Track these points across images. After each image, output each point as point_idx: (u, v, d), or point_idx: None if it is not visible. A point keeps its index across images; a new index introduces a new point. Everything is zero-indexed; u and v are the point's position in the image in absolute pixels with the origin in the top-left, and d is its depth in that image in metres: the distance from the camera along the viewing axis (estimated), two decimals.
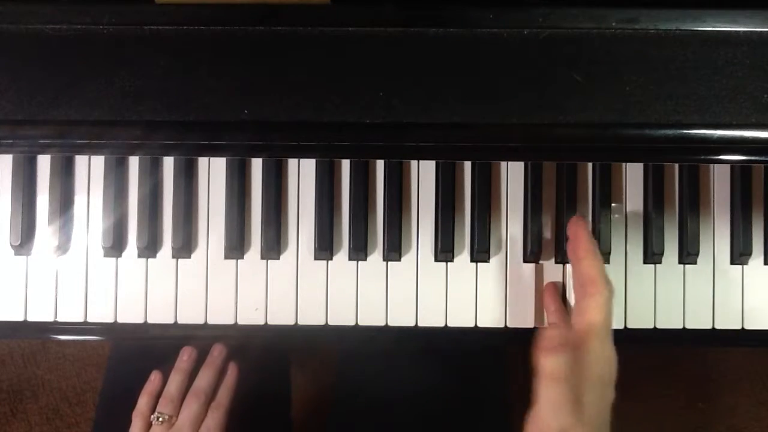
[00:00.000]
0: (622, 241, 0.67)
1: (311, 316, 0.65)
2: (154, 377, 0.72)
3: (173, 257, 0.66)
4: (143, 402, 0.71)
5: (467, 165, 0.66)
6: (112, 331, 0.66)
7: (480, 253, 0.65)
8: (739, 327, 0.67)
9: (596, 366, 0.57)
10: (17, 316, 0.65)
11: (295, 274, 0.66)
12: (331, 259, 0.66)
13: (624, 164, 0.67)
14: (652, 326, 0.66)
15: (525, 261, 0.66)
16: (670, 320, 0.66)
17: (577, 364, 0.56)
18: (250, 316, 0.65)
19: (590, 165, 0.67)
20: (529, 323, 0.66)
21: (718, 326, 0.67)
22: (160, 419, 0.69)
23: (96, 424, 0.83)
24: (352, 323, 0.65)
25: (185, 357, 0.73)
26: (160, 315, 0.65)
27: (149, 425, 0.70)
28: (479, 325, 0.65)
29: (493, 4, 0.52)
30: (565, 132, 0.52)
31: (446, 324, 0.65)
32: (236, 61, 0.52)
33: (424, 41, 0.52)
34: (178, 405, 0.71)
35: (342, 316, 0.65)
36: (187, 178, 0.65)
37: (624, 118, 0.52)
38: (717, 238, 0.67)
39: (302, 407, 1.17)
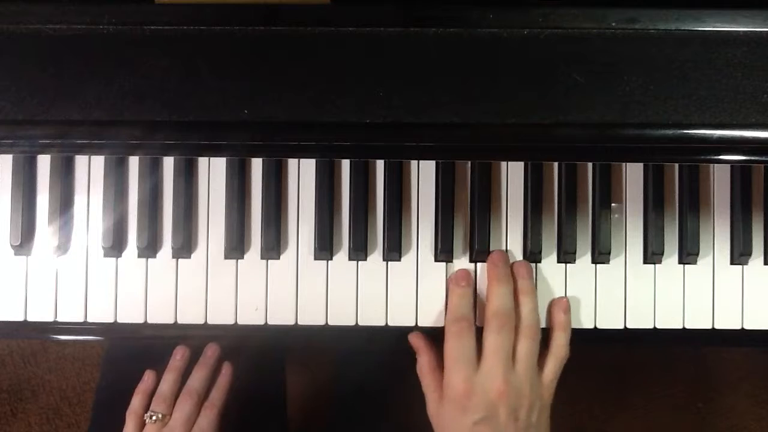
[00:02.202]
0: (622, 241, 0.67)
1: (311, 316, 0.65)
2: (148, 376, 0.72)
3: (173, 257, 0.66)
4: (137, 401, 0.71)
5: (467, 165, 0.66)
6: (112, 331, 0.66)
7: (480, 254, 0.65)
8: (739, 327, 0.67)
9: None
10: (17, 316, 0.65)
11: (295, 274, 0.66)
12: (331, 259, 0.66)
13: (624, 164, 0.67)
14: (651, 326, 0.66)
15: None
16: (670, 320, 0.66)
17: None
18: (250, 316, 0.65)
19: (590, 165, 0.67)
20: None
21: (718, 326, 0.67)
22: (153, 418, 0.70)
23: (92, 422, 0.83)
24: (352, 323, 0.65)
25: (178, 356, 0.73)
26: (160, 315, 0.65)
27: (143, 424, 0.70)
28: (480, 324, 0.65)
29: (493, 4, 0.52)
30: (565, 132, 0.52)
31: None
32: (236, 61, 0.52)
33: (424, 41, 0.52)
34: (171, 404, 0.71)
35: (342, 316, 0.65)
36: (187, 178, 0.65)
37: (624, 118, 0.52)
38: (717, 238, 0.67)
39: (300, 407, 1.17)
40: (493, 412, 0.61)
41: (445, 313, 0.65)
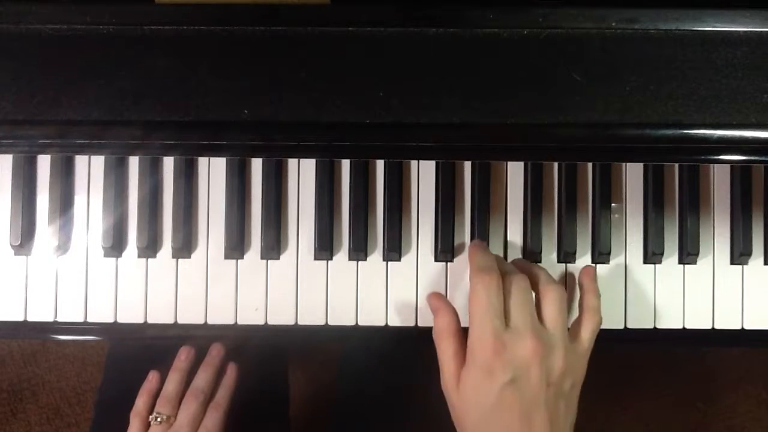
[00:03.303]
0: (622, 241, 0.67)
1: (311, 316, 0.65)
2: (152, 377, 0.72)
3: (173, 257, 0.66)
4: (141, 402, 0.71)
5: (467, 165, 0.66)
6: (112, 331, 0.66)
7: None
8: (739, 327, 0.67)
9: None
10: (17, 316, 0.65)
11: (295, 274, 0.66)
12: (331, 259, 0.66)
13: (624, 164, 0.67)
14: (652, 326, 0.66)
15: None
16: (670, 320, 0.66)
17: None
18: (250, 316, 0.65)
19: (590, 165, 0.67)
20: None
21: (718, 326, 0.67)
22: (159, 419, 0.69)
23: (94, 423, 0.83)
24: (352, 323, 0.65)
25: (183, 357, 0.73)
26: (160, 315, 0.65)
27: (147, 425, 0.70)
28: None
29: (493, 4, 0.52)
30: (565, 132, 0.52)
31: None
32: (236, 61, 0.52)
33: (424, 41, 0.52)
34: (176, 405, 0.70)
35: (342, 316, 0.65)
36: (187, 178, 0.65)
37: (624, 118, 0.52)
38: (717, 238, 0.67)
39: (302, 407, 1.17)
40: (524, 373, 0.55)
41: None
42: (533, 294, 0.59)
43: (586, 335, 0.60)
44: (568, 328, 0.60)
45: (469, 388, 0.56)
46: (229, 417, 0.72)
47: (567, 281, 0.66)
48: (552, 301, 0.58)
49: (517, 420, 0.55)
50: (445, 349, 0.58)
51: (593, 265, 0.65)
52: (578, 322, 0.61)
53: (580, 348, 0.59)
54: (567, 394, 0.57)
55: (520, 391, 0.55)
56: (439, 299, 0.62)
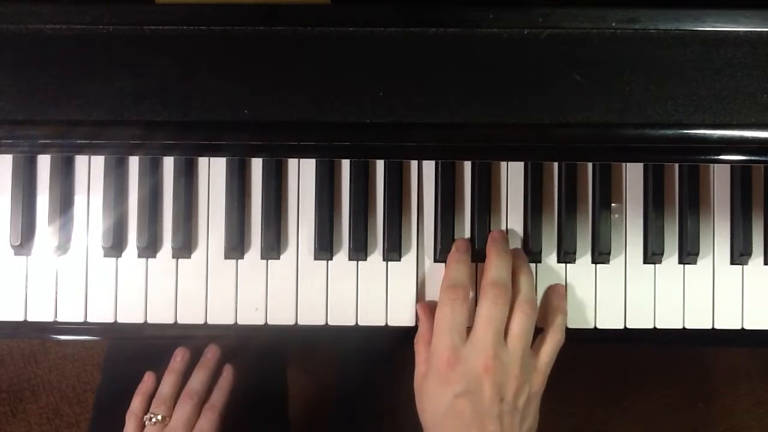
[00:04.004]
0: (622, 241, 0.67)
1: (311, 316, 0.65)
2: (148, 378, 0.72)
3: (173, 257, 0.66)
4: (136, 402, 0.71)
5: (467, 165, 0.66)
6: (112, 331, 0.66)
7: (480, 254, 0.65)
8: (739, 327, 0.67)
9: None
10: (17, 316, 0.65)
11: (295, 274, 0.66)
12: (331, 259, 0.66)
13: (624, 164, 0.67)
14: (651, 326, 0.66)
15: None
16: (670, 320, 0.66)
17: None
18: (250, 316, 0.65)
19: (590, 165, 0.67)
20: None
21: (718, 326, 0.67)
22: (153, 420, 0.70)
23: (93, 422, 0.83)
24: (352, 323, 0.65)
25: (178, 358, 0.73)
26: (160, 315, 0.65)
27: (142, 426, 0.70)
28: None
29: (493, 4, 0.52)
30: (565, 132, 0.52)
31: None
32: (236, 61, 0.52)
33: (424, 41, 0.52)
34: (171, 406, 0.71)
35: (342, 316, 0.65)
36: (187, 178, 0.65)
37: (624, 118, 0.52)
38: (717, 238, 0.67)
39: (302, 407, 1.17)
40: (476, 387, 0.58)
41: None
42: (508, 305, 0.61)
43: (548, 352, 0.62)
44: (531, 346, 0.62)
45: (426, 392, 0.61)
46: (224, 419, 0.72)
47: (567, 282, 0.66)
48: (520, 320, 0.61)
49: (469, 428, 0.57)
50: (420, 354, 0.63)
51: (562, 284, 0.66)
52: (542, 339, 0.63)
53: (539, 364, 0.62)
54: (522, 410, 0.60)
55: (472, 402, 0.58)
56: (423, 309, 0.65)
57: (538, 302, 0.65)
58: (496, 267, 0.62)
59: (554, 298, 0.65)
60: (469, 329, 0.61)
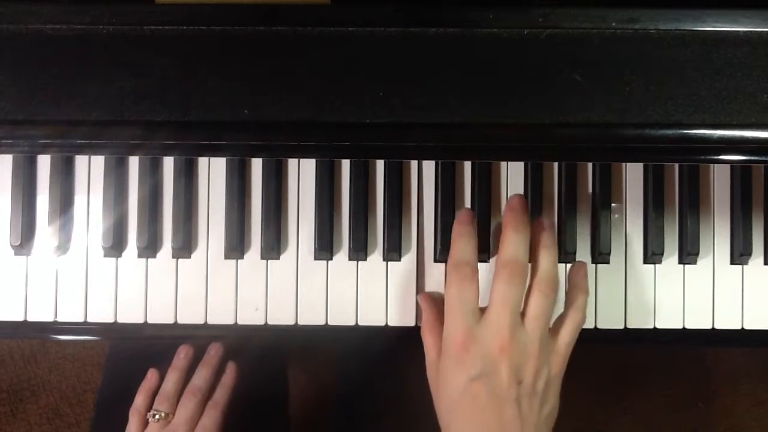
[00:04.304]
0: (622, 241, 0.67)
1: (311, 316, 0.65)
2: (151, 375, 0.73)
3: (173, 257, 0.66)
4: (140, 399, 0.71)
5: (467, 165, 0.66)
6: (112, 331, 0.66)
7: (480, 254, 0.65)
8: (739, 327, 0.67)
9: None
10: (17, 316, 0.65)
11: (295, 274, 0.66)
12: (331, 259, 0.66)
13: (624, 164, 0.67)
14: (652, 326, 0.66)
15: None
16: (670, 320, 0.66)
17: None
18: (250, 316, 0.65)
19: (590, 165, 0.67)
20: None
21: (718, 326, 0.67)
22: (157, 417, 0.70)
23: (94, 421, 0.83)
24: (352, 323, 0.65)
25: (182, 355, 0.73)
26: (160, 315, 0.65)
27: (146, 423, 0.70)
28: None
29: (493, 4, 0.52)
30: (565, 132, 0.52)
31: None
32: (236, 61, 0.52)
33: (424, 41, 0.52)
34: (174, 403, 0.71)
35: (342, 316, 0.65)
36: (187, 178, 0.65)
37: (624, 118, 0.52)
38: (717, 238, 0.67)
39: (302, 407, 1.17)
40: (492, 369, 0.55)
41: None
42: (525, 284, 0.58)
43: (568, 333, 0.59)
44: (550, 327, 0.59)
45: (442, 377, 0.58)
46: (227, 416, 0.72)
47: (566, 281, 0.66)
48: (538, 299, 0.58)
49: (485, 412, 0.55)
50: (427, 341, 0.61)
51: (585, 262, 0.65)
52: (561, 319, 0.60)
53: (559, 345, 0.59)
54: (541, 393, 0.57)
55: (488, 385, 0.55)
56: (425, 298, 0.64)
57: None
58: (511, 242, 0.58)
59: (576, 276, 0.62)
60: (483, 309, 0.58)
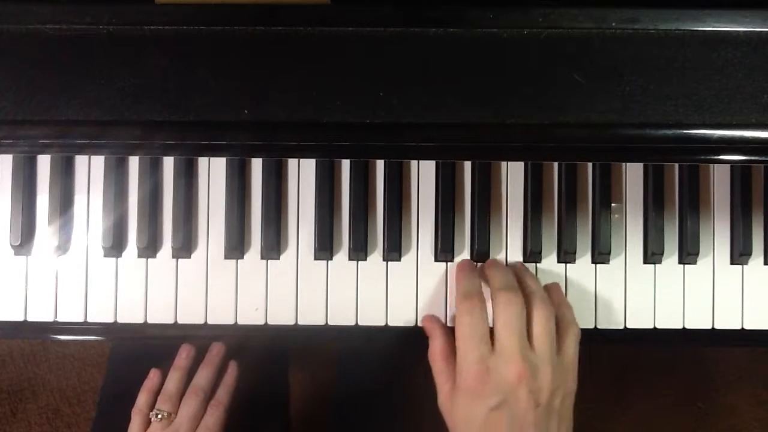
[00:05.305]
0: (622, 241, 0.67)
1: (311, 316, 0.65)
2: (153, 374, 0.73)
3: (173, 257, 0.66)
4: (142, 399, 0.71)
5: (467, 165, 0.66)
6: (112, 331, 0.66)
7: (480, 254, 0.65)
8: (739, 327, 0.67)
9: None
10: (17, 316, 0.65)
11: (295, 274, 0.66)
12: (331, 259, 0.66)
13: (624, 164, 0.67)
14: (651, 326, 0.66)
15: (525, 261, 0.66)
16: (669, 320, 0.66)
17: None
18: (250, 316, 0.65)
19: (590, 165, 0.67)
20: None
21: (718, 326, 0.67)
22: (159, 416, 0.70)
23: (96, 421, 0.83)
24: (352, 323, 0.65)
25: (184, 355, 0.73)
26: (160, 315, 0.65)
27: (148, 422, 0.70)
28: None
29: (493, 4, 0.52)
30: (565, 132, 0.52)
31: (447, 324, 0.65)
32: (236, 61, 0.52)
33: (424, 41, 0.52)
34: (176, 402, 0.71)
35: (342, 316, 0.65)
36: (187, 178, 0.65)
37: (624, 118, 0.52)
38: (717, 238, 0.67)
39: (302, 407, 1.17)
40: (511, 396, 0.56)
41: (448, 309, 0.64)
42: (525, 311, 0.59)
43: (570, 347, 0.61)
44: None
45: (459, 410, 0.58)
46: (229, 415, 0.72)
47: (567, 282, 0.66)
48: (540, 318, 0.59)
49: None
50: (438, 372, 0.61)
51: (557, 282, 0.66)
52: (559, 336, 0.61)
53: (566, 361, 0.60)
54: (558, 410, 0.58)
55: (508, 413, 0.56)
56: (432, 322, 0.64)
57: None
58: (499, 273, 0.61)
59: (554, 294, 0.64)
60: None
